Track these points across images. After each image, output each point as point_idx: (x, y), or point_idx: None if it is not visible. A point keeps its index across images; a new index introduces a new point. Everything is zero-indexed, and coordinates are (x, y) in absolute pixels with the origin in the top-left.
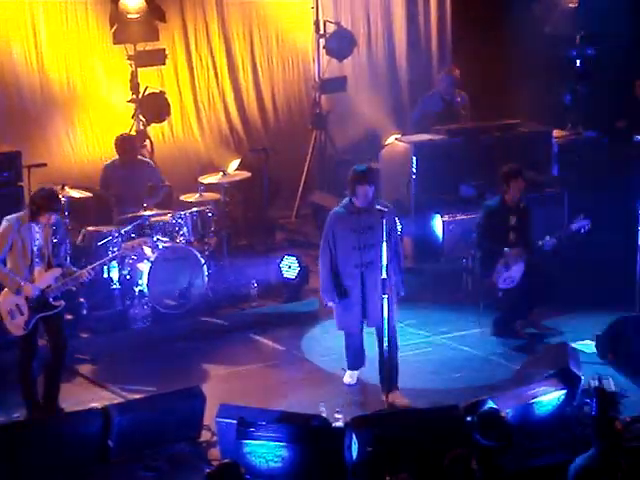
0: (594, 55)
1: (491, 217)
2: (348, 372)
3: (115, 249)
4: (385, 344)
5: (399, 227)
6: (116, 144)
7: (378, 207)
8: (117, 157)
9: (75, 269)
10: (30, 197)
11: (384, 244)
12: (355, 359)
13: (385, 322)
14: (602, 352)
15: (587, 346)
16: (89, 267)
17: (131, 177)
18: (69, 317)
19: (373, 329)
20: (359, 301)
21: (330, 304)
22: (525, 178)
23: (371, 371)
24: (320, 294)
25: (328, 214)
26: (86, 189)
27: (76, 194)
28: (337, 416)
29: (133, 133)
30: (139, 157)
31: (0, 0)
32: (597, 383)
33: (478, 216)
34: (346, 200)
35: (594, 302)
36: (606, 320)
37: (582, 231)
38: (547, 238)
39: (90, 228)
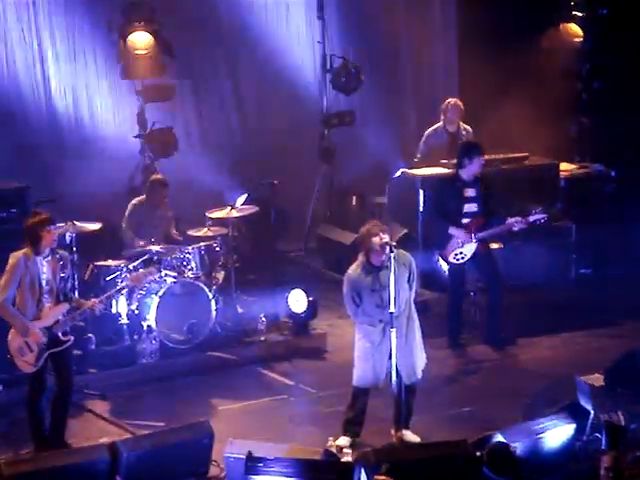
0: (600, 88)
1: (442, 191)
2: (343, 437)
3: (123, 283)
4: (394, 379)
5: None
6: (151, 183)
7: (396, 256)
8: (144, 197)
9: (83, 300)
10: (24, 229)
11: (392, 278)
12: (355, 424)
13: (394, 357)
14: (611, 385)
15: (596, 379)
16: (97, 299)
17: (154, 220)
18: (77, 352)
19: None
20: (386, 356)
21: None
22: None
23: (379, 406)
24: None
25: (346, 274)
26: (95, 223)
27: (84, 227)
28: (345, 451)
29: (138, 175)
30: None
31: (9, 34)
32: (607, 417)
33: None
34: (361, 260)
35: (601, 335)
36: (615, 354)
37: (538, 223)
38: (513, 219)
39: (98, 263)
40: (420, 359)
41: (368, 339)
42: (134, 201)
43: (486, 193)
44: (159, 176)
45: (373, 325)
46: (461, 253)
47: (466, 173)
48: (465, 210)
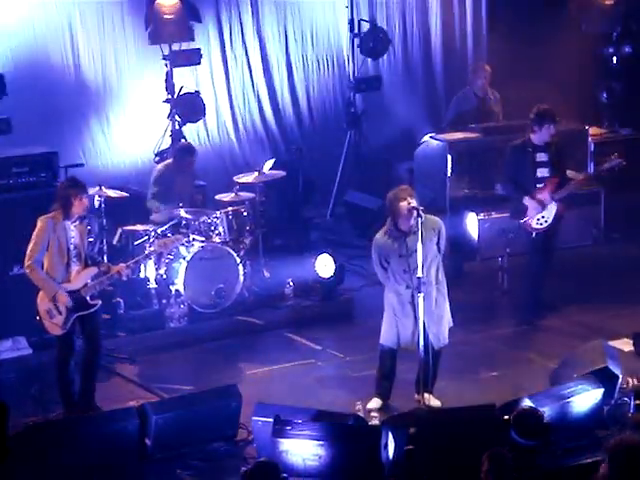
0: (631, 52)
1: (516, 155)
2: (374, 398)
3: (151, 248)
4: (421, 344)
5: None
6: (179, 148)
7: (426, 221)
8: (171, 161)
9: (111, 265)
10: (56, 193)
11: (419, 244)
12: (384, 386)
13: (421, 322)
14: None
15: (625, 344)
16: (125, 264)
17: (180, 184)
18: (106, 317)
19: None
20: (412, 320)
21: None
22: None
23: (406, 370)
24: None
25: (374, 239)
26: (123, 189)
27: (113, 194)
28: (373, 414)
29: (166, 140)
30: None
31: (36, 2)
32: (635, 381)
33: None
34: (389, 225)
35: (632, 300)
36: None
37: (616, 169)
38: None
39: (126, 228)
40: (448, 323)
41: (395, 302)
42: (160, 166)
43: (558, 156)
44: (187, 143)
45: (400, 290)
46: (543, 217)
47: (537, 139)
48: (538, 175)
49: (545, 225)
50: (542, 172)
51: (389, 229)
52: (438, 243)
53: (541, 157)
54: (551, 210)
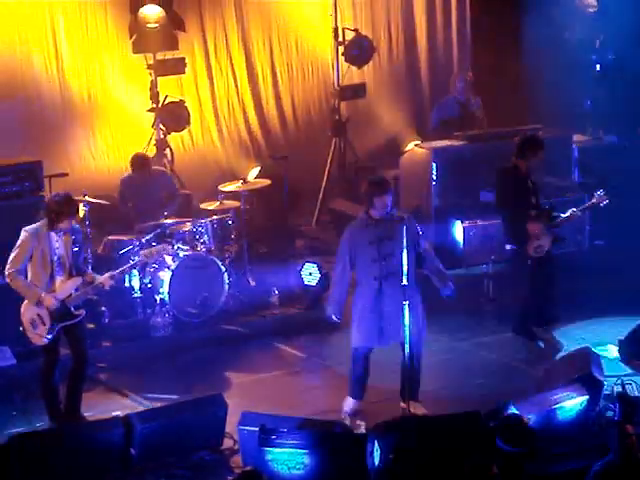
0: (614, 59)
1: (515, 181)
2: (350, 399)
3: (136, 257)
4: (407, 353)
5: (420, 232)
6: (130, 162)
7: (397, 214)
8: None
9: (96, 275)
10: (46, 204)
11: (404, 252)
12: (358, 388)
13: (406, 329)
14: (625, 357)
15: (609, 351)
16: (109, 273)
17: (146, 189)
18: (91, 326)
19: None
20: (377, 315)
21: (334, 318)
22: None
23: (391, 377)
24: (329, 308)
25: (347, 225)
26: (107, 198)
27: (98, 202)
28: (359, 423)
29: (151, 150)
30: (154, 168)
31: (21, 11)
32: (620, 388)
33: (495, 181)
34: (361, 214)
35: (616, 307)
36: (628, 325)
37: (601, 204)
38: (573, 210)
39: (111, 237)
40: (424, 324)
41: (363, 298)
42: (123, 177)
43: (535, 184)
44: (138, 153)
45: (368, 283)
46: (539, 246)
47: (528, 164)
48: (532, 202)
49: (541, 254)
50: (533, 199)
51: (361, 217)
52: (414, 238)
53: (529, 184)
54: (547, 240)
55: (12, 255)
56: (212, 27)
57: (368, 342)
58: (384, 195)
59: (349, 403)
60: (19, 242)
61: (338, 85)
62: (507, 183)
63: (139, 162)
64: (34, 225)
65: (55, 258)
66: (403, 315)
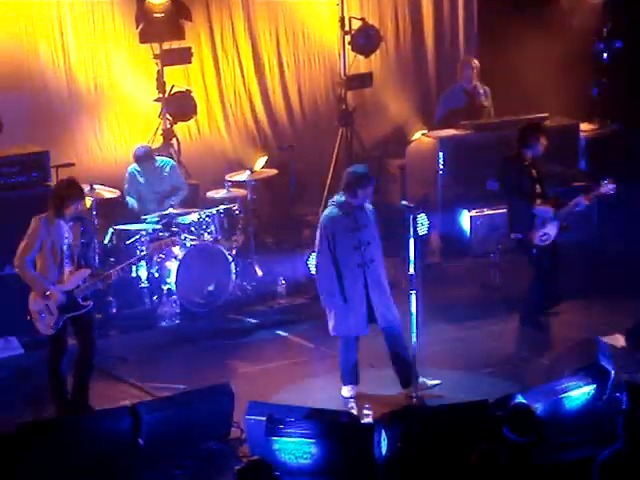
0: (621, 48)
1: (519, 170)
2: (345, 387)
3: (143, 248)
4: (413, 340)
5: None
6: (133, 155)
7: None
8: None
9: (104, 270)
10: (52, 191)
11: (411, 240)
12: (351, 374)
13: (413, 319)
14: (633, 345)
15: (617, 340)
16: (117, 267)
17: (152, 180)
18: (98, 316)
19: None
20: (364, 302)
21: (329, 310)
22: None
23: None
24: (323, 299)
25: (322, 214)
26: (114, 188)
27: (104, 193)
28: (366, 412)
29: (157, 139)
30: (158, 158)
31: (27, 1)
32: (628, 377)
33: (499, 170)
34: (338, 199)
35: (624, 295)
36: (636, 313)
37: (609, 194)
38: (583, 197)
39: (118, 227)
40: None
41: (350, 288)
42: (128, 169)
43: (540, 172)
44: (139, 146)
45: (352, 271)
46: (545, 234)
47: (531, 153)
48: (537, 190)
49: (547, 242)
50: (537, 187)
51: (339, 202)
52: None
53: (534, 172)
54: (553, 228)
55: (22, 245)
56: (219, 16)
57: (359, 330)
58: (368, 187)
59: (348, 390)
60: (29, 231)
61: (345, 74)
62: (510, 171)
63: (141, 155)
64: (43, 214)
65: (65, 248)
66: (388, 301)
